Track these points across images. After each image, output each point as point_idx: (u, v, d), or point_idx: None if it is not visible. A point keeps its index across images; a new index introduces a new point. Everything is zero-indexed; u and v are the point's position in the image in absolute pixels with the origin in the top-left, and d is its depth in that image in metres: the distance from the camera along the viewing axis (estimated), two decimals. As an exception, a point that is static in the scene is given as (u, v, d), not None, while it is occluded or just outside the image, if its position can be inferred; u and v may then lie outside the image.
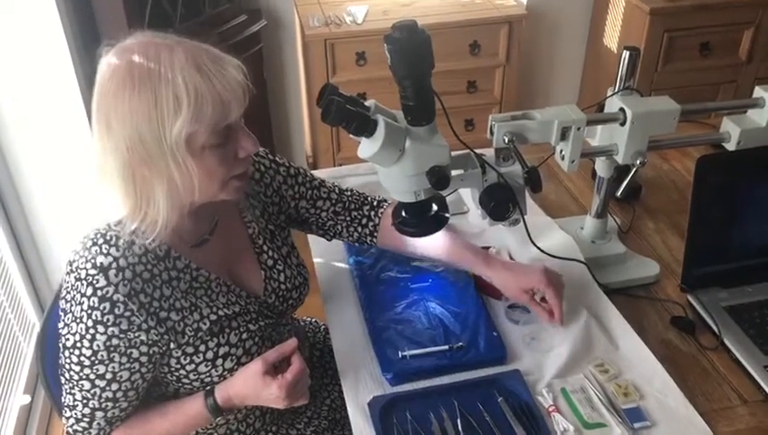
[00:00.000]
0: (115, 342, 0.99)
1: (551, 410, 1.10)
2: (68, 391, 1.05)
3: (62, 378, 1.05)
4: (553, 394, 1.12)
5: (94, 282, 0.97)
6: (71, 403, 1.05)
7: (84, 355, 1.00)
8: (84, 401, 1.03)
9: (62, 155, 2.07)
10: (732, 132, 1.27)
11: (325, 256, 1.46)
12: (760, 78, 2.87)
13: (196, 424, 1.11)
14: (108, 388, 1.02)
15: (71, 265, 1.00)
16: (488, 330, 1.22)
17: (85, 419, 1.05)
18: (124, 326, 0.98)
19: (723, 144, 1.30)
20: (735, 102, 1.39)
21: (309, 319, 1.51)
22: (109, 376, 1.01)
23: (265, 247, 1.19)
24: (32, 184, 2.14)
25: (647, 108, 1.20)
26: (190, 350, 1.05)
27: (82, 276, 0.98)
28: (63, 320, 1.02)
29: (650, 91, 2.78)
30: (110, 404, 1.04)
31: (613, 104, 1.24)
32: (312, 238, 1.47)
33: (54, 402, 1.22)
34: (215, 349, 1.07)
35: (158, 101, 0.90)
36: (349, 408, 1.12)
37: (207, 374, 1.08)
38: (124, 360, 1.01)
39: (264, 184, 1.22)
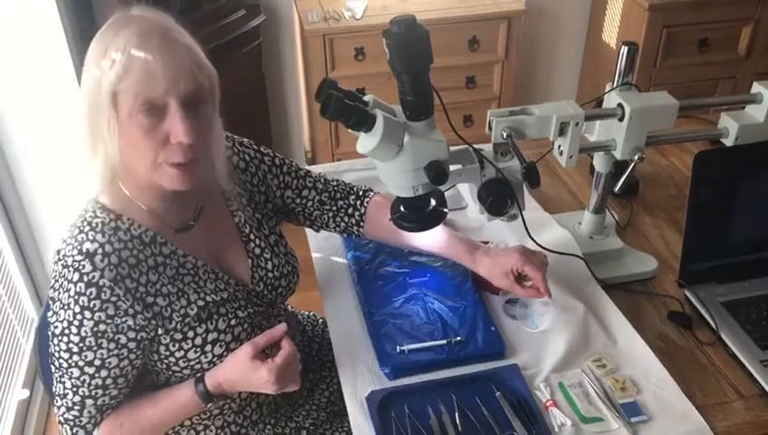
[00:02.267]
0: (102, 327, 1.00)
1: (548, 404, 1.10)
2: (58, 379, 1.05)
3: (51, 367, 1.06)
4: (551, 389, 1.13)
5: (80, 268, 0.98)
6: (61, 392, 1.06)
7: (72, 342, 1.00)
8: (74, 389, 1.04)
9: (61, 149, 2.07)
10: (730, 128, 1.27)
11: (323, 250, 1.46)
12: (758, 74, 2.87)
13: (187, 411, 1.11)
14: (97, 375, 1.03)
15: (58, 254, 1.02)
16: (486, 325, 1.22)
17: (76, 407, 1.06)
18: (111, 312, 0.99)
19: (721, 140, 1.30)
20: (733, 98, 1.40)
21: (307, 312, 1.51)
22: (97, 363, 1.02)
23: (252, 236, 1.19)
24: (30, 178, 2.14)
25: (645, 103, 1.20)
26: (178, 336, 1.06)
27: (69, 263, 0.99)
28: (52, 308, 1.03)
29: (649, 87, 2.78)
30: (99, 391, 1.04)
31: (611, 100, 1.24)
32: (310, 233, 1.47)
33: (51, 396, 1.22)
34: (203, 335, 1.07)
35: (106, 54, 0.96)
36: (347, 402, 1.13)
37: (197, 361, 1.08)
38: (112, 346, 1.01)
39: (250, 173, 1.23)
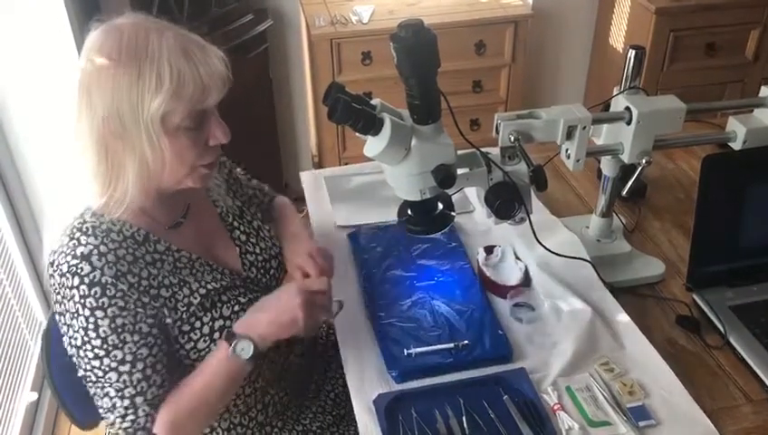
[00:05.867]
0: (119, 321, 0.99)
1: (556, 408, 1.10)
2: (100, 395, 1.02)
3: (88, 387, 1.03)
4: (558, 392, 1.12)
5: (79, 270, 0.97)
6: (108, 405, 1.02)
7: (96, 346, 0.99)
8: (120, 394, 1.01)
9: (67, 151, 2.07)
10: (738, 131, 1.27)
11: (331, 254, 1.46)
12: (766, 78, 2.86)
13: (223, 370, 1.06)
14: (134, 369, 1.01)
15: (52, 266, 1.00)
16: (493, 328, 1.22)
17: (129, 411, 1.02)
18: (122, 304, 0.99)
19: (728, 143, 1.30)
20: (741, 102, 1.39)
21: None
22: (129, 358, 1.00)
23: (236, 224, 1.22)
24: (40, 183, 2.15)
25: (652, 107, 1.20)
26: (186, 327, 1.06)
27: (65, 270, 0.98)
28: (62, 323, 1.01)
29: (656, 91, 2.78)
30: (144, 385, 1.02)
31: (619, 103, 1.24)
32: (318, 236, 1.48)
33: (60, 401, 1.21)
34: (210, 323, 1.08)
35: (140, 77, 0.93)
36: (354, 405, 1.13)
37: (207, 350, 1.08)
38: (137, 338, 1.00)
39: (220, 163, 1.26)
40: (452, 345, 1.19)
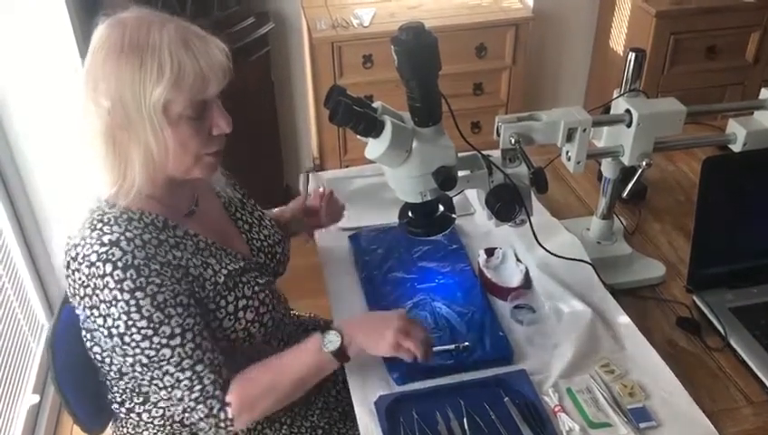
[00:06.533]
0: (160, 298, 0.99)
1: (556, 409, 1.10)
2: (158, 375, 1.02)
3: (143, 372, 1.03)
4: (559, 394, 1.13)
5: (110, 256, 0.98)
6: (171, 382, 1.02)
7: (143, 327, 0.99)
8: (179, 367, 1.01)
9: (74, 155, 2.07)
10: (738, 134, 1.27)
11: (332, 257, 1.47)
12: (766, 80, 2.87)
13: (312, 362, 1.10)
14: (185, 340, 1.01)
15: (76, 260, 1.00)
16: (494, 330, 1.23)
17: (194, 382, 1.03)
18: (158, 281, 1.00)
19: (729, 145, 1.30)
20: (741, 104, 1.40)
21: (308, 315, 1.52)
22: (178, 330, 1.00)
23: (238, 214, 1.27)
24: (40, 181, 2.15)
25: (652, 109, 1.20)
26: (212, 306, 1.08)
27: (94, 260, 0.98)
28: (96, 316, 1.00)
29: (657, 94, 2.78)
30: (199, 352, 1.02)
31: (619, 106, 1.24)
32: (318, 239, 1.48)
33: (66, 404, 1.21)
34: (234, 302, 1.10)
35: (142, 67, 0.96)
36: (355, 406, 1.13)
37: (232, 329, 1.10)
38: (180, 310, 1.01)
39: None
40: (453, 347, 1.19)
